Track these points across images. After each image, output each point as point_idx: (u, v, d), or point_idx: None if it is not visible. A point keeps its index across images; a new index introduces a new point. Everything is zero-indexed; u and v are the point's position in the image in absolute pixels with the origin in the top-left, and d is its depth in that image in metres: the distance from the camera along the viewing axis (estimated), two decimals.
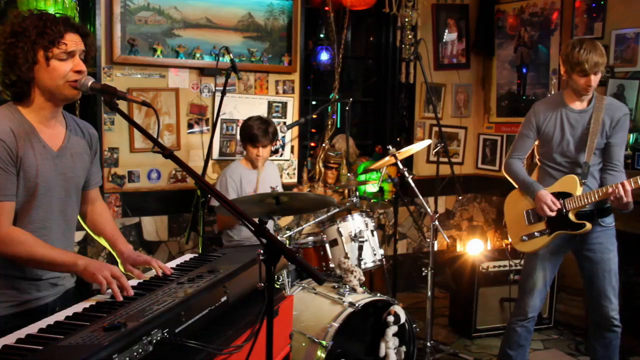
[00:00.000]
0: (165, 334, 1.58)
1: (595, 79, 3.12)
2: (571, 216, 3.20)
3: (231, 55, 3.93)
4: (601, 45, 3.16)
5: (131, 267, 2.16)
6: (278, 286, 3.25)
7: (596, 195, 3.10)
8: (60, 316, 1.70)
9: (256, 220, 1.57)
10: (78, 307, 1.77)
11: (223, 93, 3.90)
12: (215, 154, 4.60)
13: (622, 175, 3.24)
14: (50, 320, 1.66)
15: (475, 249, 5.14)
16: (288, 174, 4.99)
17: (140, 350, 1.48)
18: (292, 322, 2.45)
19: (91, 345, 1.39)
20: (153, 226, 4.43)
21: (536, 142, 3.43)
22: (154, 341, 1.53)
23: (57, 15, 1.99)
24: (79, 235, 4.09)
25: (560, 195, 3.23)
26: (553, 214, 3.20)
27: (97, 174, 2.33)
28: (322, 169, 5.18)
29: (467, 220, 6.10)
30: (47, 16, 1.94)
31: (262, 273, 1.61)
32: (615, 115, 3.21)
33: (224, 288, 1.94)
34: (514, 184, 3.46)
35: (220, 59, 4.30)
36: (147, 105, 1.90)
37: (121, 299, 1.82)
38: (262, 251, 1.48)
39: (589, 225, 3.17)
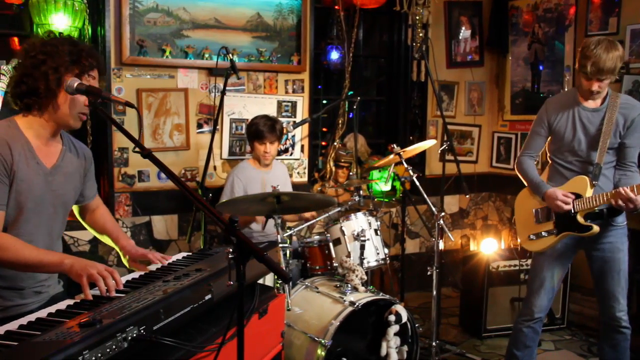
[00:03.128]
0: (142, 331, 1.60)
1: (599, 85, 3.00)
2: (579, 218, 3.14)
3: (230, 55, 3.97)
4: (619, 51, 2.95)
5: (134, 262, 2.24)
6: (278, 285, 3.26)
7: (603, 199, 3.04)
8: (43, 313, 1.74)
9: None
10: (62, 305, 1.81)
11: (223, 93, 3.94)
12: (225, 153, 4.64)
13: (636, 175, 3.15)
14: (32, 317, 1.70)
15: (488, 248, 5.09)
16: (298, 173, 5.00)
17: (113, 347, 1.50)
18: (283, 321, 2.47)
19: (63, 341, 1.42)
20: (163, 225, 4.48)
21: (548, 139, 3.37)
22: (129, 338, 1.55)
23: (89, 47, 2.10)
24: (89, 235, 4.16)
25: None
26: (569, 207, 3.13)
27: (92, 189, 2.43)
28: (333, 168, 5.17)
29: (481, 219, 6.05)
30: (82, 46, 2.06)
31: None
32: (630, 115, 3.09)
33: (209, 286, 1.96)
34: (524, 182, 3.41)
35: (227, 59, 4.33)
36: (131, 106, 1.93)
37: (105, 294, 1.85)
38: (231, 250, 1.50)
39: (596, 228, 3.10)
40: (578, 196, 3.14)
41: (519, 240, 3.44)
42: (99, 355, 1.45)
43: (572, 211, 3.14)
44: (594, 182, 3.13)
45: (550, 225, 3.27)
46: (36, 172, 2.06)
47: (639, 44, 4.66)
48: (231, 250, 1.50)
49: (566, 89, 5.13)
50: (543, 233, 3.28)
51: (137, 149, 1.77)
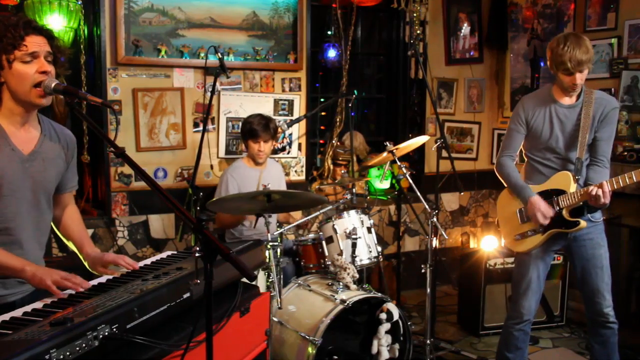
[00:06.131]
0: (114, 330, 1.61)
1: (580, 77, 3.02)
2: (565, 214, 3.12)
3: (219, 54, 3.98)
4: (587, 40, 3.03)
5: (102, 268, 2.20)
6: (268, 284, 3.26)
7: (578, 196, 3.04)
8: (18, 312, 1.75)
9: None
10: (39, 304, 1.82)
11: (212, 92, 3.94)
12: (221, 152, 4.65)
13: (605, 171, 3.14)
14: (7, 316, 1.71)
15: (488, 245, 5.06)
16: (296, 171, 5.00)
17: (83, 345, 1.51)
18: (268, 319, 2.47)
19: (30, 340, 1.43)
20: (160, 224, 4.50)
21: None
22: (100, 336, 1.56)
23: (20, 18, 2.00)
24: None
25: (554, 193, 3.15)
26: (547, 221, 3.13)
27: (72, 179, 2.37)
28: (331, 166, 5.17)
29: (482, 217, 6.02)
30: (8, 20, 1.96)
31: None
32: (605, 109, 3.11)
33: (188, 285, 1.96)
34: (505, 184, 3.39)
35: (226, 57, 4.34)
36: (107, 106, 1.93)
37: (79, 289, 1.88)
38: (198, 248, 1.50)
39: (583, 223, 3.08)
40: (561, 192, 3.13)
41: (504, 241, 3.42)
42: (67, 354, 1.46)
43: (558, 208, 3.13)
44: (577, 177, 3.12)
45: (535, 224, 3.24)
46: (11, 158, 2.03)
47: (637, 40, 4.61)
48: (198, 249, 1.50)
49: None
50: (529, 232, 3.25)
51: (111, 148, 1.77)
